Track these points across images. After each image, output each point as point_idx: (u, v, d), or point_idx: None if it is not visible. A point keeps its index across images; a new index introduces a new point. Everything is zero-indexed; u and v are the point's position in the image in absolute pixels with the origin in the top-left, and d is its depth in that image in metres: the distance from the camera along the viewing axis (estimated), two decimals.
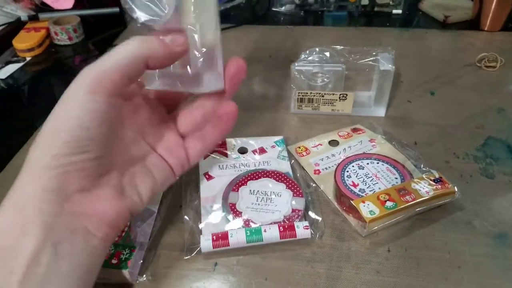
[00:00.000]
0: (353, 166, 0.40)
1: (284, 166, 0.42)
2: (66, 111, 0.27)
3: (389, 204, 0.35)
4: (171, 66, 0.31)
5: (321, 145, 0.45)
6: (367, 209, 0.35)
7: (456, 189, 0.37)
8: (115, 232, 0.28)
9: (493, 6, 0.67)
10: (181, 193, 0.40)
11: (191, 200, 0.39)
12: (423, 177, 0.38)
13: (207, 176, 0.41)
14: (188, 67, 0.31)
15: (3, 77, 0.64)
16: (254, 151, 0.44)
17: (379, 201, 0.35)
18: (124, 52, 0.28)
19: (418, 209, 0.36)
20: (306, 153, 0.44)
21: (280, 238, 0.34)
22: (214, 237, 0.34)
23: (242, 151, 0.45)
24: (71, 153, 0.26)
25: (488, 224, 0.36)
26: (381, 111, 0.50)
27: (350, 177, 0.39)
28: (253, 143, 0.45)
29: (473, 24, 0.71)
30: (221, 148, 0.44)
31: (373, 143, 0.45)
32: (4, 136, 0.52)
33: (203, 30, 0.30)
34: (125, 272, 0.32)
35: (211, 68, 0.31)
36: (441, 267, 0.33)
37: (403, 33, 0.70)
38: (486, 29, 0.69)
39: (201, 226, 0.36)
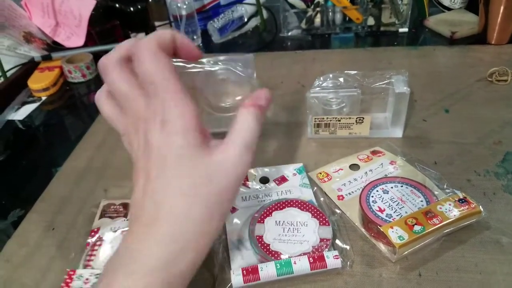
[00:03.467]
0: (377, 191, 0.40)
1: (307, 194, 0.43)
2: None
3: (417, 228, 0.35)
4: None
5: (342, 169, 0.46)
6: (396, 234, 0.35)
7: (481, 208, 0.37)
8: None
9: (499, 20, 0.68)
10: None
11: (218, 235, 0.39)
12: (448, 198, 0.38)
13: (231, 208, 0.41)
14: None
15: (21, 118, 0.66)
16: (275, 180, 0.45)
17: (407, 225, 0.35)
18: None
19: (446, 231, 0.36)
20: (328, 178, 0.45)
21: (311, 270, 0.34)
22: (245, 271, 0.34)
23: (264, 181, 0.45)
24: None
25: None
26: (398, 132, 0.50)
27: (376, 202, 0.39)
28: (273, 172, 0.46)
29: (480, 38, 0.71)
30: None
31: (394, 165, 0.45)
32: (26, 177, 0.53)
33: None
34: None
35: None
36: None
37: (411, 52, 0.71)
38: (493, 42, 0.70)
39: (230, 261, 0.36)
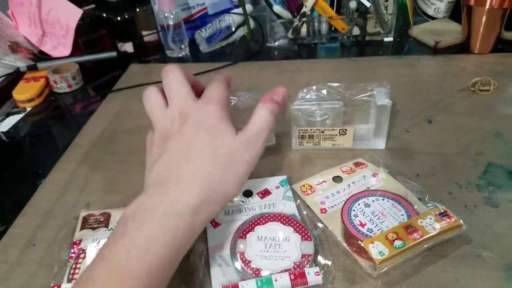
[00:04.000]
0: (359, 205, 0.40)
1: (290, 208, 0.43)
2: None
3: (397, 243, 0.35)
4: None
5: (325, 182, 0.46)
6: (377, 250, 0.35)
7: (462, 222, 0.37)
8: None
9: (481, 29, 0.69)
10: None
11: (198, 250, 0.39)
12: (429, 212, 0.38)
13: (213, 223, 0.41)
14: None
15: (4, 129, 0.65)
16: (258, 194, 0.45)
17: (388, 240, 0.35)
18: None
19: (427, 245, 0.36)
20: (311, 191, 0.45)
21: (292, 287, 0.34)
22: None
23: (247, 194, 0.45)
24: None
25: (497, 256, 0.37)
26: (381, 144, 0.50)
27: (357, 216, 0.39)
28: (257, 184, 0.46)
29: (464, 47, 0.72)
30: None
31: (377, 177, 0.45)
32: (8, 191, 0.52)
33: None
34: None
35: None
36: None
37: (396, 61, 0.71)
38: (476, 51, 0.71)
39: (211, 278, 0.36)
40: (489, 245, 0.37)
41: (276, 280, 0.34)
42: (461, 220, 0.37)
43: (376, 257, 0.34)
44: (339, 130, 0.49)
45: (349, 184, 0.45)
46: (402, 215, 0.39)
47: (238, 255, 0.37)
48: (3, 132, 0.64)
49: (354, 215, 0.39)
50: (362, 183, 0.45)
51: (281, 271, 0.35)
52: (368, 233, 0.37)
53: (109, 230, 0.42)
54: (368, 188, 0.44)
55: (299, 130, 0.50)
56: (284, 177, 0.47)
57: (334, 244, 0.39)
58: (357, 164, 0.48)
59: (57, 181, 0.51)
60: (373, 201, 0.41)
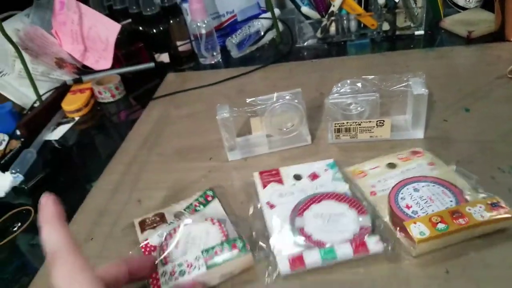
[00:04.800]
0: (407, 189, 0.41)
1: (341, 188, 0.44)
2: None
3: (440, 226, 0.36)
4: None
5: (378, 167, 0.46)
6: (418, 230, 0.36)
7: None
8: None
9: None
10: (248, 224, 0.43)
11: (261, 229, 0.42)
12: (480, 200, 0.38)
13: (269, 205, 0.44)
14: None
15: (56, 138, 0.70)
16: (308, 177, 0.47)
17: (431, 222, 0.36)
18: None
19: (473, 233, 0.36)
20: (363, 175, 0.46)
21: (354, 254, 0.36)
22: (291, 259, 0.36)
23: (297, 177, 0.47)
24: None
25: None
26: (419, 134, 0.51)
27: (405, 199, 0.40)
28: (305, 169, 0.48)
29: (498, 36, 0.71)
30: (276, 177, 0.47)
31: (432, 166, 0.45)
32: (64, 193, 0.56)
33: None
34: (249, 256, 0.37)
35: None
36: (501, 283, 0.34)
37: (429, 53, 0.71)
38: (511, 39, 0.70)
39: (275, 252, 0.38)
40: None
41: (337, 250, 0.36)
42: None
43: (416, 236, 0.35)
44: (377, 121, 0.50)
45: (402, 171, 0.45)
46: (451, 201, 0.39)
47: (299, 231, 0.39)
48: (55, 140, 0.69)
49: (402, 198, 0.40)
50: (416, 170, 0.45)
51: (342, 242, 0.37)
52: (412, 215, 0.38)
53: (169, 224, 0.44)
54: (426, 176, 0.43)
55: (335, 124, 0.51)
56: (331, 160, 0.48)
57: (381, 222, 0.40)
58: (414, 153, 0.48)
59: (108, 182, 0.55)
60: (423, 186, 0.41)
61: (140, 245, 0.42)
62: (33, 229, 0.50)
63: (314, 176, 0.47)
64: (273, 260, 0.38)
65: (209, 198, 0.47)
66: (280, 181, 0.47)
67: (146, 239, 0.42)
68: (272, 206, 0.44)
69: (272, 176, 0.48)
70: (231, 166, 0.53)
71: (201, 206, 0.47)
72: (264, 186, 0.46)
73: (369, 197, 0.43)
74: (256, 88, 0.72)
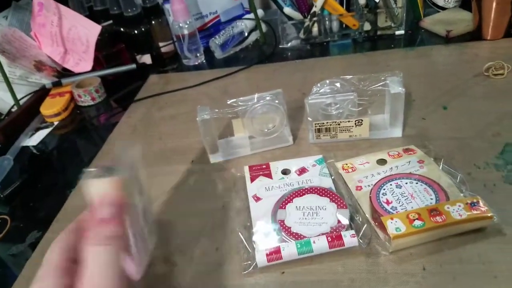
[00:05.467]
0: (391, 185, 0.42)
1: (326, 183, 0.45)
2: None
3: (417, 223, 0.36)
4: None
5: (368, 163, 0.47)
6: (394, 226, 0.36)
7: (493, 214, 0.36)
8: None
9: (492, 15, 0.69)
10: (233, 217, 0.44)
11: (243, 221, 0.43)
12: (460, 199, 0.38)
13: (255, 198, 0.45)
14: None
15: (34, 143, 0.69)
16: (296, 171, 0.48)
17: (408, 219, 0.36)
18: None
19: (450, 231, 0.37)
20: (352, 170, 0.46)
21: (329, 248, 0.37)
22: (268, 252, 0.37)
23: (285, 172, 0.48)
24: None
25: None
26: (397, 132, 0.51)
27: (386, 194, 0.41)
28: (294, 164, 0.49)
29: (476, 35, 0.72)
30: (265, 171, 0.48)
31: (421, 164, 0.45)
32: (41, 200, 0.55)
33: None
34: None
35: None
36: (477, 279, 0.34)
37: (409, 53, 0.72)
38: (488, 38, 0.71)
39: (254, 244, 0.39)
40: (510, 221, 0.38)
41: (314, 242, 0.37)
42: (491, 213, 0.36)
43: (392, 232, 0.35)
44: (355, 121, 0.50)
45: (391, 167, 0.45)
46: (432, 199, 0.39)
47: (279, 223, 0.40)
48: (33, 146, 0.68)
49: (383, 193, 0.41)
50: (405, 167, 0.45)
51: (319, 235, 0.38)
52: (391, 210, 0.39)
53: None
54: (410, 173, 0.44)
55: (315, 124, 0.51)
56: (320, 156, 0.49)
57: (363, 218, 0.41)
58: (406, 150, 0.48)
59: None
60: (406, 183, 0.42)
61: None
62: (10, 239, 0.49)
63: (301, 171, 0.48)
64: (252, 251, 0.39)
65: None
66: (269, 175, 0.48)
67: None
68: (258, 199, 0.45)
69: (261, 170, 0.49)
70: (213, 168, 0.53)
71: None
72: (252, 180, 0.48)
73: (354, 192, 0.43)
74: (240, 89, 0.72)
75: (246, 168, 0.50)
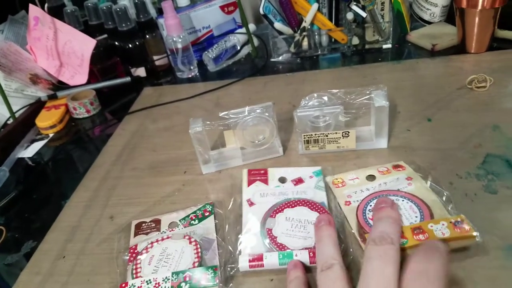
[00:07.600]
0: None
1: (320, 196, 0.46)
2: None
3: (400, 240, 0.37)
4: None
5: (358, 178, 0.48)
6: None
7: (477, 234, 0.36)
8: None
9: (475, 30, 0.71)
10: (226, 219, 0.46)
11: (234, 225, 0.44)
12: (444, 218, 0.38)
13: (249, 202, 0.46)
14: None
15: (30, 155, 0.70)
16: (292, 181, 0.49)
17: None
18: None
19: None
20: (342, 185, 0.47)
21: (310, 263, 0.38)
22: (251, 258, 0.38)
23: (282, 180, 0.50)
24: None
25: (497, 238, 0.38)
26: (383, 143, 0.53)
27: (372, 211, 0.41)
28: (292, 172, 0.50)
29: (460, 48, 0.75)
30: (263, 177, 0.50)
31: (409, 181, 0.45)
32: (37, 211, 0.56)
33: None
34: None
35: None
36: (458, 285, 0.35)
37: (396, 66, 0.74)
38: (472, 51, 0.73)
39: (240, 248, 0.41)
40: (489, 229, 0.39)
41: (296, 255, 0.38)
42: (475, 232, 0.37)
43: None
44: (342, 132, 0.52)
45: (380, 184, 0.46)
46: (416, 217, 0.40)
47: (266, 231, 0.41)
48: (29, 158, 0.69)
49: (369, 210, 0.42)
50: (393, 184, 0.46)
51: (302, 249, 0.39)
52: None
53: (161, 233, 0.46)
54: (398, 190, 0.44)
55: (304, 135, 0.53)
56: (319, 168, 0.50)
57: (349, 234, 0.42)
58: (395, 167, 0.48)
59: (81, 199, 0.55)
60: (392, 200, 0.42)
61: (130, 247, 0.44)
62: (6, 249, 0.50)
63: (298, 181, 0.49)
64: (236, 255, 0.40)
65: (206, 214, 0.47)
66: (265, 181, 0.49)
67: (136, 245, 0.44)
68: (251, 204, 0.46)
69: (259, 175, 0.50)
70: (205, 179, 0.55)
71: (196, 221, 0.47)
72: (249, 184, 0.49)
73: (343, 207, 0.44)
74: (232, 101, 0.74)
75: (245, 171, 0.51)
